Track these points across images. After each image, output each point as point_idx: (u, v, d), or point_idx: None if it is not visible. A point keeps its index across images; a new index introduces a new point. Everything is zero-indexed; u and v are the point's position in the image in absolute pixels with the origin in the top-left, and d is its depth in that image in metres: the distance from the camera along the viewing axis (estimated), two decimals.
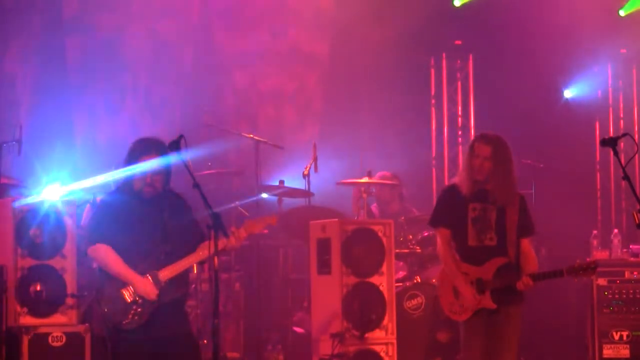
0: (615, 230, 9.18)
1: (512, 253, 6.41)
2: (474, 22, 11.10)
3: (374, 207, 9.36)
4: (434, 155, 11.44)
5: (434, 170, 11.42)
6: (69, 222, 7.13)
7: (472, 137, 11.28)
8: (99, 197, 7.90)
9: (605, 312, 8.73)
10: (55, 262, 7.12)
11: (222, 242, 6.03)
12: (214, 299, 5.74)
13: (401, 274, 8.69)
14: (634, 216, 5.32)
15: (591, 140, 11.48)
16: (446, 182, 11.18)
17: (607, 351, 8.71)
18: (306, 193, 8.81)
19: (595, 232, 9.23)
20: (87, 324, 7.13)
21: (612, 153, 5.57)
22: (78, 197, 7.57)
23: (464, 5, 11.10)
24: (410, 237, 8.65)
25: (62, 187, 7.41)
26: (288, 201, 9.01)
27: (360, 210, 8.52)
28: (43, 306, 7.05)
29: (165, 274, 5.95)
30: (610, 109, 11.60)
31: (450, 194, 6.59)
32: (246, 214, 8.68)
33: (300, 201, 9.04)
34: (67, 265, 7.13)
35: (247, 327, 8.77)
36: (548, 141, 10.56)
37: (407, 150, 10.74)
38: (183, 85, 10.29)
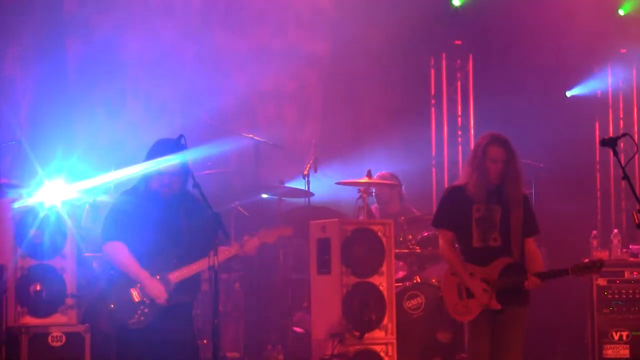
0: (615, 230, 9.18)
1: (516, 253, 6.41)
2: (474, 22, 11.10)
3: (374, 208, 9.37)
4: (433, 155, 11.44)
5: (433, 170, 11.41)
6: (68, 222, 7.14)
7: (472, 137, 11.40)
8: (99, 198, 7.93)
9: (605, 312, 8.74)
10: (55, 262, 7.13)
11: (234, 249, 6.06)
12: (214, 299, 5.76)
13: (401, 274, 8.70)
14: (633, 216, 5.32)
15: (591, 140, 11.47)
16: (446, 182, 11.19)
17: (607, 351, 8.71)
18: (306, 193, 8.81)
19: (595, 232, 9.23)
20: (87, 324, 7.13)
21: (612, 153, 5.57)
22: (78, 198, 7.57)
23: (463, 5, 11.10)
24: (410, 237, 8.65)
25: (62, 187, 7.41)
26: (288, 201, 9.01)
27: (360, 210, 8.52)
28: (43, 306, 7.06)
29: (175, 276, 5.96)
30: (610, 109, 11.60)
31: (453, 195, 6.58)
32: (246, 213, 8.68)
33: (300, 201, 9.04)
34: (67, 265, 7.13)
35: (247, 327, 8.77)
36: (548, 141, 10.55)
37: (407, 150, 10.73)
38: (183, 85, 10.29)
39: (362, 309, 7.62)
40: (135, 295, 5.91)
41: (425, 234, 8.70)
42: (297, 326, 8.65)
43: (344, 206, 9.07)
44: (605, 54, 11.29)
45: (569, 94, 11.41)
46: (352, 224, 7.90)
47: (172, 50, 10.35)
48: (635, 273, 8.77)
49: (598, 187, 11.54)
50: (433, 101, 11.52)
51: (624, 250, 9.00)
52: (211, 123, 9.21)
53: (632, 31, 11.00)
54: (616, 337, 8.71)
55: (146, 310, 5.90)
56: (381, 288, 7.73)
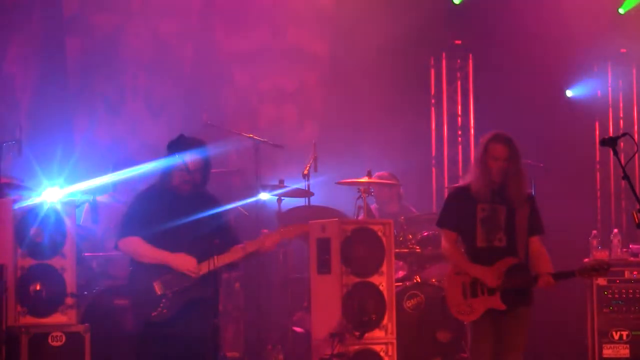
0: (615, 230, 9.18)
1: (521, 253, 6.39)
2: (474, 21, 11.11)
3: (373, 207, 9.37)
4: (433, 155, 11.44)
5: (433, 170, 11.41)
6: (68, 222, 7.13)
7: (472, 137, 11.41)
8: (98, 198, 7.94)
9: (605, 312, 8.74)
10: (55, 262, 7.12)
11: (255, 245, 6.09)
12: (214, 299, 5.78)
13: (401, 273, 8.70)
14: (633, 216, 5.32)
15: (591, 140, 11.47)
16: (446, 182, 11.20)
17: (607, 351, 8.71)
18: (306, 193, 8.81)
19: (595, 232, 9.22)
20: (87, 324, 7.12)
21: (611, 153, 5.57)
22: (77, 198, 7.58)
23: (463, 5, 11.10)
24: (410, 236, 8.65)
25: (62, 187, 7.41)
26: (288, 201, 9.01)
27: (360, 210, 8.52)
28: (43, 306, 7.05)
29: (201, 268, 5.98)
30: (610, 108, 11.59)
31: (459, 196, 6.57)
32: (246, 213, 8.68)
33: (300, 201, 9.04)
34: (66, 264, 7.12)
35: (247, 327, 8.77)
36: (548, 141, 10.55)
37: (407, 150, 10.74)
38: (183, 85, 10.29)
39: (362, 309, 7.62)
40: (158, 288, 5.94)
41: (425, 233, 8.70)
42: (297, 326, 8.64)
43: (344, 206, 9.07)
44: (605, 53, 11.30)
45: (569, 93, 11.41)
46: (352, 223, 7.89)
47: (172, 50, 10.36)
48: (635, 273, 8.76)
49: (598, 187, 11.53)
50: (433, 101, 11.52)
51: (624, 250, 9.00)
52: (211, 123, 9.20)
53: (632, 31, 11.00)
54: (616, 337, 8.71)
55: (168, 303, 5.93)
56: (381, 288, 7.73)
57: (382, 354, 7.66)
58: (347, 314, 7.58)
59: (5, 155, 7.71)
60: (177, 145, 6.11)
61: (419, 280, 8.51)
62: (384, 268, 7.76)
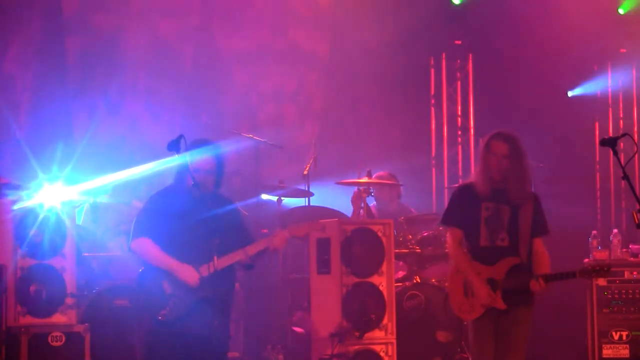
0: (615, 230, 9.17)
1: (524, 254, 6.38)
2: (474, 21, 11.11)
3: (373, 207, 9.37)
4: (433, 155, 11.44)
5: (433, 170, 11.42)
6: (68, 222, 7.14)
7: (472, 137, 11.41)
8: (98, 198, 7.94)
9: (604, 312, 8.73)
10: (55, 262, 7.12)
11: (264, 243, 6.13)
12: (214, 299, 5.79)
13: (401, 273, 8.69)
14: (633, 216, 5.32)
15: (591, 140, 11.48)
16: (446, 182, 11.20)
17: (607, 351, 8.71)
18: (306, 193, 8.81)
19: (594, 232, 9.22)
20: (87, 324, 7.13)
21: (611, 153, 5.57)
22: (77, 199, 7.58)
23: (463, 5, 11.11)
24: (410, 237, 8.65)
25: (62, 187, 7.42)
26: (288, 201, 9.01)
27: (360, 210, 8.52)
28: (43, 306, 7.05)
29: (204, 269, 6.00)
30: (610, 108, 11.61)
31: (463, 193, 6.55)
32: (246, 213, 8.68)
33: (300, 201, 9.04)
34: (66, 265, 7.13)
35: (247, 327, 8.77)
36: (548, 141, 10.55)
37: (407, 150, 10.74)
38: (183, 85, 10.29)
39: (361, 309, 7.62)
40: (167, 287, 5.97)
41: (425, 233, 8.70)
42: (297, 326, 8.64)
43: (344, 206, 9.07)
44: (605, 53, 11.30)
45: (569, 93, 11.41)
46: (352, 223, 7.90)
47: (172, 50, 10.36)
48: (635, 273, 8.76)
49: (598, 187, 11.54)
50: (433, 101, 11.53)
51: (624, 250, 8.99)
52: (211, 123, 9.20)
53: (632, 31, 11.00)
54: (616, 337, 8.71)
55: (177, 302, 5.96)
56: (381, 288, 7.73)
57: (382, 354, 7.67)
58: (347, 314, 7.58)
59: (5, 155, 7.72)
60: (191, 147, 6.14)
61: (419, 280, 8.50)
62: (384, 268, 7.77)
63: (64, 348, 7.02)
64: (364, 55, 10.75)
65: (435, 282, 8.46)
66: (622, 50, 11.33)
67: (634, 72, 11.43)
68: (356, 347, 7.57)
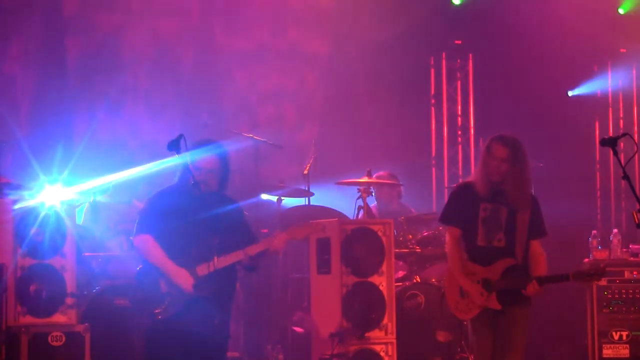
0: (615, 230, 9.17)
1: (519, 255, 6.39)
2: (474, 21, 11.11)
3: (374, 207, 9.37)
4: (433, 154, 11.45)
5: (433, 169, 11.42)
6: (68, 222, 7.14)
7: (472, 137, 11.42)
8: (98, 198, 7.94)
9: (604, 312, 8.73)
10: (55, 262, 7.12)
11: (263, 244, 6.13)
12: (214, 299, 5.79)
13: (401, 273, 8.69)
14: (633, 216, 5.32)
15: (591, 140, 11.48)
16: (446, 182, 11.21)
17: (607, 351, 8.71)
18: (306, 193, 8.81)
19: (594, 232, 9.22)
20: (87, 324, 7.13)
21: (611, 153, 5.57)
22: (77, 198, 7.58)
23: (463, 5, 11.11)
24: (410, 236, 8.65)
25: (62, 187, 7.42)
26: (288, 201, 9.01)
27: (360, 210, 8.52)
28: (43, 306, 7.05)
29: (202, 269, 6.00)
30: (610, 108, 11.61)
31: (463, 193, 6.57)
32: (245, 213, 8.68)
33: (300, 201, 9.04)
34: (66, 264, 7.13)
35: (247, 327, 8.77)
36: (548, 141, 10.55)
37: (407, 150, 10.74)
38: (183, 85, 10.29)
39: (362, 309, 7.62)
40: (164, 285, 5.98)
41: (425, 233, 8.70)
42: (297, 326, 8.65)
43: (344, 206, 9.07)
44: (605, 53, 11.30)
45: (570, 93, 11.42)
46: (352, 223, 7.90)
47: (172, 50, 10.36)
48: (635, 273, 8.76)
49: (598, 186, 11.54)
50: (433, 101, 11.53)
51: (624, 250, 8.99)
52: (211, 123, 9.21)
53: (632, 31, 11.00)
54: (616, 337, 8.71)
55: (173, 300, 5.96)
56: (381, 288, 7.73)
57: (382, 354, 7.67)
58: (347, 314, 7.58)
59: (5, 155, 7.72)
60: (195, 147, 6.15)
61: (419, 280, 8.50)
62: (384, 268, 7.76)
63: (64, 348, 7.01)
64: (364, 56, 10.75)
65: (435, 282, 8.45)
66: (622, 50, 11.33)
67: (634, 72, 11.43)
68: (356, 347, 7.56)
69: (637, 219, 5.30)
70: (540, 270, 6.36)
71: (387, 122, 10.95)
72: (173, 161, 6.12)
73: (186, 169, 6.09)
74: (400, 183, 9.38)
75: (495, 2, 10.93)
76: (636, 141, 8.18)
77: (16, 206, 7.04)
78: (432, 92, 11.54)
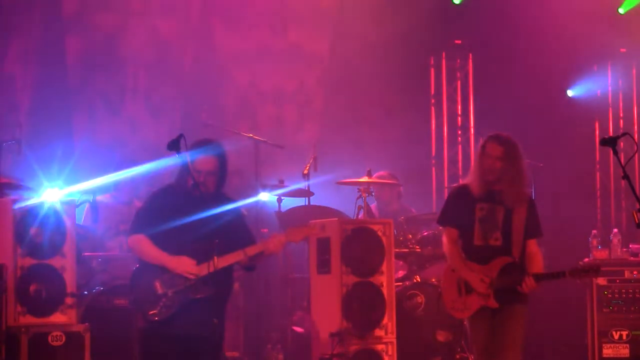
0: (615, 230, 9.18)
1: (516, 254, 6.43)
2: (474, 21, 11.11)
3: (374, 207, 9.37)
4: (433, 154, 11.45)
5: (433, 169, 11.42)
6: (68, 221, 7.13)
7: (472, 136, 11.42)
8: (98, 197, 7.93)
9: (605, 312, 8.74)
10: (55, 262, 7.11)
11: (260, 247, 6.11)
12: (214, 299, 5.78)
13: (401, 273, 8.69)
14: (633, 216, 5.32)
15: (591, 139, 11.48)
16: (446, 182, 11.21)
17: (607, 350, 8.71)
18: (306, 193, 8.81)
19: (594, 231, 9.23)
20: (87, 324, 7.12)
21: (611, 152, 5.57)
22: (77, 198, 7.58)
23: (464, 5, 11.11)
24: (410, 236, 8.65)
25: (62, 187, 7.41)
26: (288, 201, 9.01)
27: (360, 210, 8.52)
28: (43, 305, 7.04)
29: (202, 269, 5.99)
30: (610, 108, 11.61)
31: (459, 193, 6.61)
32: (245, 213, 8.68)
33: (300, 201, 9.04)
34: (66, 264, 7.12)
35: (247, 327, 8.77)
36: (548, 140, 10.56)
37: (407, 150, 10.74)
38: (183, 85, 10.29)
39: (362, 309, 7.62)
40: (159, 287, 5.96)
41: (425, 233, 8.70)
42: (297, 326, 8.65)
43: (344, 206, 9.07)
44: (605, 53, 11.30)
45: (569, 93, 11.41)
46: (352, 223, 7.90)
47: (172, 50, 10.36)
48: (635, 272, 8.76)
49: (598, 186, 11.54)
50: (433, 100, 11.53)
51: (624, 249, 8.99)
52: (211, 123, 9.21)
53: (632, 31, 11.01)
54: (616, 337, 8.71)
55: (168, 302, 5.95)
56: (381, 288, 7.73)
57: (382, 353, 7.66)
58: (347, 313, 7.58)
59: (5, 155, 7.71)
60: (193, 147, 6.13)
61: (419, 280, 8.50)
62: (384, 268, 7.76)
63: (64, 348, 7.00)
64: (364, 55, 10.75)
65: (435, 282, 8.45)
66: (622, 50, 11.33)
67: (634, 72, 11.43)
68: (356, 347, 7.56)
69: (637, 218, 5.30)
70: (537, 268, 6.41)
71: (387, 122, 10.95)
72: (173, 161, 6.11)
73: (185, 169, 6.08)
74: (400, 183, 9.38)
75: (495, 2, 10.93)
76: (636, 141, 8.19)
77: (16, 206, 7.03)
78: (432, 91, 11.54)
